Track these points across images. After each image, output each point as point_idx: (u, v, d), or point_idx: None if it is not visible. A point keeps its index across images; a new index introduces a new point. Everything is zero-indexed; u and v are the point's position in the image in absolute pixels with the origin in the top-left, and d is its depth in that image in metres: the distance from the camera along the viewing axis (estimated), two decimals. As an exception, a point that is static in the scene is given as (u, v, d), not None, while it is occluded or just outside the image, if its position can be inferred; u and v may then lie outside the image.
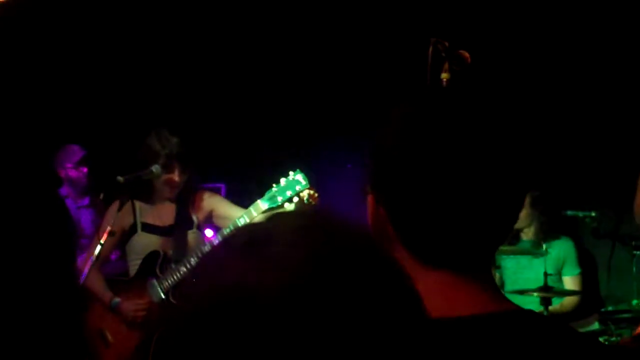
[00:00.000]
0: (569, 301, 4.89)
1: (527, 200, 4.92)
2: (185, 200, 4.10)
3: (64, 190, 5.11)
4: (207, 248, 3.89)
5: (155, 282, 3.97)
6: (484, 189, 1.09)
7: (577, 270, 5.04)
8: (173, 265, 3.96)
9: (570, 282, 5.00)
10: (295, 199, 3.90)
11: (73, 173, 5.07)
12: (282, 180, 3.92)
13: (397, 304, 0.82)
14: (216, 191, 6.15)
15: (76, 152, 5.12)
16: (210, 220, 4.19)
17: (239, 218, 3.89)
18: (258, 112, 6.12)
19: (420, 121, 1.13)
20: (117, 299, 3.98)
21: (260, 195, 3.97)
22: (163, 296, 3.95)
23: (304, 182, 3.90)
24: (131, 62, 6.04)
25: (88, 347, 3.79)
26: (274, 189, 3.91)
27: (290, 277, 0.78)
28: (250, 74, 6.08)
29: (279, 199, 3.89)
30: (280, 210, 3.89)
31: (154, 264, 4.00)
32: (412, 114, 1.15)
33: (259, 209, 3.90)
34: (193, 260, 3.92)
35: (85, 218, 5.09)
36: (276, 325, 0.76)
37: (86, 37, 5.88)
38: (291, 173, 3.93)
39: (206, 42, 6.07)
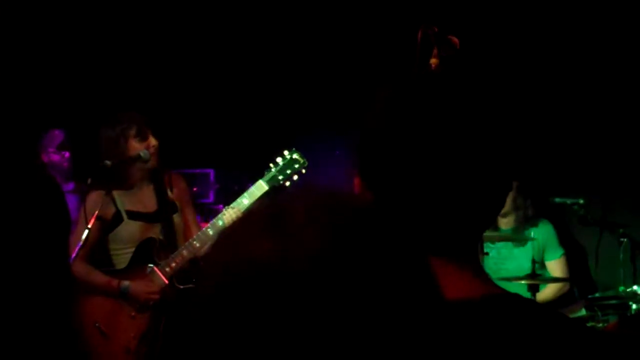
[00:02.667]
0: (554, 288, 4.87)
1: (514, 187, 4.91)
2: (162, 183, 4.06)
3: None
4: (210, 230, 3.89)
5: (155, 268, 3.93)
6: (469, 174, 1.09)
7: (560, 252, 4.97)
8: (168, 252, 3.93)
9: (554, 266, 4.95)
10: (296, 177, 3.94)
11: (55, 157, 5.03)
12: (279, 160, 3.94)
13: (418, 284, 0.83)
14: (205, 177, 6.16)
15: (57, 135, 5.08)
16: None
17: (241, 197, 3.90)
18: (246, 98, 6.10)
19: (404, 105, 1.12)
20: (127, 282, 3.87)
21: (251, 179, 3.98)
22: (167, 282, 3.91)
23: (302, 160, 3.94)
24: (116, 46, 6.00)
25: (77, 335, 3.75)
26: (273, 168, 3.93)
27: (312, 253, 0.79)
28: (238, 60, 6.06)
29: (280, 178, 3.92)
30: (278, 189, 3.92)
31: (150, 251, 3.95)
32: (396, 97, 1.14)
33: (262, 188, 3.92)
34: (196, 244, 3.90)
35: (70, 204, 5.04)
36: (299, 301, 0.77)
37: (69, 22, 5.84)
38: (287, 152, 3.96)
39: (193, 29, 6.04)
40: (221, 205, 5.83)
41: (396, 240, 0.85)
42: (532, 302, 1.15)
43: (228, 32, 6.05)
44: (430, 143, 1.09)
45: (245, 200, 3.92)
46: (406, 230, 1.02)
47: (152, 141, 3.95)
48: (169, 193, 4.07)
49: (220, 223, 3.93)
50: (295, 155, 3.96)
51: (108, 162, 3.86)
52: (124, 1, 5.92)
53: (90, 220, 3.78)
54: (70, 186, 5.16)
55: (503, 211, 4.89)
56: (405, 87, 1.16)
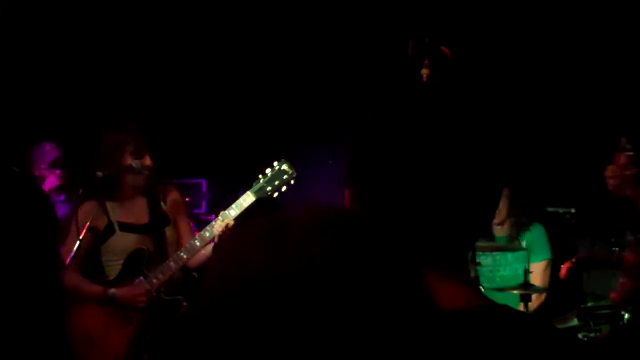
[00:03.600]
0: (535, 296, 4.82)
1: (507, 194, 4.92)
2: (155, 196, 4.07)
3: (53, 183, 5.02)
4: (197, 242, 3.89)
5: (144, 280, 3.94)
6: (459, 185, 1.09)
7: (543, 256, 4.91)
8: (158, 264, 3.94)
9: (534, 268, 4.83)
10: (284, 188, 3.95)
11: (46, 174, 4.98)
12: (268, 171, 3.95)
13: (410, 295, 0.84)
14: (197, 187, 6.15)
15: (48, 152, 5.02)
16: None
17: (229, 209, 3.91)
18: (238, 108, 6.10)
19: (395, 118, 1.13)
20: (113, 289, 3.89)
21: (243, 189, 3.99)
22: (154, 293, 3.93)
23: (290, 171, 3.94)
24: (109, 56, 6.00)
25: (69, 344, 3.76)
26: (261, 180, 3.94)
27: (307, 263, 0.80)
28: (231, 71, 6.06)
29: (268, 189, 3.92)
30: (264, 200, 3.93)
31: (139, 262, 3.96)
32: (388, 110, 1.15)
33: (249, 199, 3.93)
34: (184, 256, 3.90)
35: (61, 213, 5.02)
36: (293, 311, 0.78)
37: (62, 33, 5.83)
38: (276, 163, 3.96)
39: (186, 39, 6.04)
40: (213, 216, 5.83)
41: (389, 252, 0.86)
42: (521, 313, 1.15)
43: (221, 42, 6.06)
44: (422, 156, 1.09)
45: (233, 212, 3.94)
46: (398, 241, 1.03)
47: (147, 161, 3.95)
48: (162, 205, 4.07)
49: (208, 234, 3.94)
50: (284, 167, 3.97)
51: (100, 173, 3.86)
52: (117, 14, 5.92)
53: (82, 231, 3.78)
54: (61, 196, 5.13)
55: (498, 220, 4.91)
56: (396, 100, 1.17)
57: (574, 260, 3.94)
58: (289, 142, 5.70)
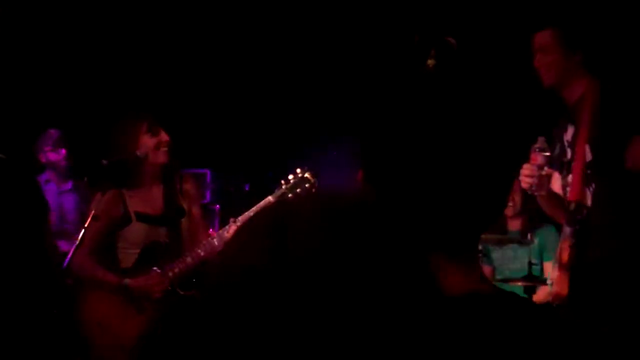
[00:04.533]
0: (546, 291, 4.86)
1: (521, 189, 4.95)
2: (172, 185, 4.07)
3: (47, 175, 5.07)
4: (215, 241, 3.89)
5: (159, 272, 3.93)
6: (472, 173, 1.10)
7: None
8: (174, 256, 3.94)
9: (548, 267, 4.96)
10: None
11: (52, 156, 5.03)
12: (290, 177, 3.96)
13: (416, 281, 0.87)
14: (202, 177, 6.16)
15: (52, 134, 5.09)
16: None
17: (248, 212, 3.92)
18: (243, 99, 6.10)
19: (410, 103, 1.14)
20: (127, 279, 3.88)
21: (246, 179, 4.00)
22: (169, 286, 3.93)
23: (312, 180, 3.97)
24: (113, 46, 6.00)
25: (80, 333, 3.78)
26: (284, 186, 3.96)
27: (313, 252, 0.82)
28: (235, 62, 6.06)
29: (289, 195, 3.96)
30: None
31: (155, 254, 3.97)
32: (401, 100, 1.15)
33: (269, 204, 3.92)
34: (201, 252, 3.90)
35: (68, 203, 5.06)
36: (298, 299, 0.80)
37: (67, 22, 5.83)
38: (299, 170, 3.98)
39: (191, 28, 6.04)
40: (217, 206, 5.84)
41: (396, 240, 0.87)
42: (526, 300, 1.15)
43: (226, 32, 6.05)
44: (432, 142, 1.10)
45: (252, 214, 3.94)
46: (406, 228, 1.03)
47: (164, 137, 3.95)
48: (179, 195, 4.07)
49: (226, 234, 3.93)
50: (307, 175, 3.97)
51: (104, 161, 3.86)
52: (121, 4, 5.91)
53: (96, 219, 3.78)
54: (68, 185, 5.16)
55: (512, 213, 4.95)
56: (406, 87, 1.17)
57: None
58: (293, 132, 5.70)
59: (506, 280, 4.50)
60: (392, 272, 0.85)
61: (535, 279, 4.42)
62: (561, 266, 3.17)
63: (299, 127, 5.68)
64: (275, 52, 5.98)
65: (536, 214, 4.98)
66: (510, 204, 4.98)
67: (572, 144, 3.32)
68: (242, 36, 6.03)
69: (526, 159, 3.27)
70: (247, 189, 5.29)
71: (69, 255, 3.68)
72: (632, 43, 4.92)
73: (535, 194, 3.36)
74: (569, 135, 3.36)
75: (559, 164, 3.38)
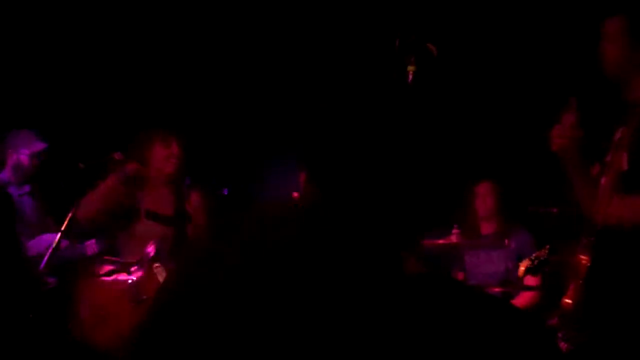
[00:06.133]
0: (526, 297, 4.87)
1: (496, 191, 4.96)
2: (182, 194, 4.23)
3: (5, 175, 4.88)
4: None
5: (162, 268, 3.97)
6: (415, 172, 1.12)
7: None
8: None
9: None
10: None
11: (26, 160, 4.85)
12: None
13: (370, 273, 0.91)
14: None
15: (37, 143, 4.90)
16: None
17: None
18: (222, 109, 6.10)
19: (351, 107, 1.16)
20: (133, 269, 3.98)
21: (226, 186, 4.07)
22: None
23: None
24: (103, 51, 5.96)
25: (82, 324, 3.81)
26: None
27: (275, 255, 0.86)
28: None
29: None
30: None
31: (160, 252, 4.00)
32: (354, 99, 1.17)
33: None
34: None
35: (27, 205, 4.91)
36: (262, 299, 0.83)
37: (55, 29, 5.80)
38: None
39: (176, 36, 6.02)
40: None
41: (346, 237, 0.94)
42: (459, 282, 1.18)
43: (207, 44, 6.05)
44: (375, 142, 1.12)
45: None
46: (353, 222, 1.06)
47: (175, 149, 4.15)
48: (187, 204, 4.19)
49: None
50: None
51: (81, 164, 3.90)
52: (111, 12, 5.89)
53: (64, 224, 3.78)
54: (26, 188, 4.96)
55: (485, 214, 4.95)
56: (365, 90, 1.19)
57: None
58: (272, 143, 5.70)
59: (483, 287, 4.49)
60: (344, 267, 0.88)
61: (512, 285, 4.43)
62: (576, 277, 3.08)
63: (276, 137, 5.68)
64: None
65: (510, 216, 5.00)
66: (483, 206, 4.98)
67: (616, 147, 3.10)
68: (220, 49, 6.03)
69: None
70: (225, 193, 5.29)
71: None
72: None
73: (562, 156, 3.18)
74: (618, 135, 3.13)
75: (602, 163, 3.19)
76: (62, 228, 3.79)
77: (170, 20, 5.99)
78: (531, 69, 5.31)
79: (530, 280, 4.94)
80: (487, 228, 5.03)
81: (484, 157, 5.39)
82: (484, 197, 4.99)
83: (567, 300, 3.08)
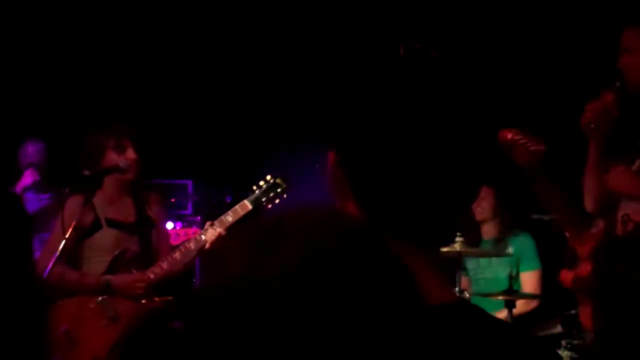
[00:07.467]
0: (522, 302, 4.83)
1: (493, 194, 4.95)
2: (141, 198, 4.09)
3: (27, 180, 4.98)
4: (192, 244, 3.92)
5: (140, 272, 3.92)
6: (445, 157, 1.10)
7: (533, 266, 4.95)
8: (144, 265, 3.93)
9: (525, 277, 4.92)
10: (277, 200, 4.11)
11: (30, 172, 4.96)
12: (262, 183, 4.07)
13: (397, 294, 0.85)
14: (183, 188, 6.15)
15: (33, 153, 5.00)
16: None
17: (226, 215, 4.02)
18: (225, 110, 6.10)
19: (386, 85, 1.13)
20: (108, 276, 3.86)
21: (228, 190, 4.03)
22: (150, 286, 3.92)
23: (284, 185, 4.10)
24: (96, 56, 5.98)
25: (49, 344, 3.71)
26: (257, 190, 4.06)
27: (299, 267, 0.82)
28: (217, 72, 6.06)
29: (263, 199, 4.08)
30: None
31: (127, 262, 3.95)
32: (380, 78, 1.15)
33: (246, 207, 4.05)
34: (177, 256, 3.92)
35: (48, 211, 4.97)
36: (278, 313, 0.80)
37: (48, 34, 5.81)
38: (269, 176, 4.10)
39: (173, 39, 6.03)
40: (199, 217, 5.82)
41: (380, 250, 0.87)
42: (483, 311, 1.15)
43: (207, 42, 6.05)
44: (409, 125, 1.09)
45: (230, 218, 4.02)
46: (386, 232, 1.03)
47: (131, 154, 3.93)
48: (147, 208, 4.09)
49: (203, 237, 3.97)
50: (278, 180, 4.11)
51: (87, 172, 3.86)
52: (107, 14, 5.90)
53: (68, 230, 3.75)
54: (47, 194, 5.07)
55: (482, 218, 4.94)
56: (390, 70, 1.17)
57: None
58: (276, 144, 5.70)
59: (486, 295, 4.48)
60: (376, 283, 0.86)
61: (516, 293, 4.40)
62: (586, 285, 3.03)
63: (281, 138, 5.68)
64: (255, 64, 5.97)
65: (510, 221, 4.98)
66: (479, 209, 4.96)
67: None
68: (222, 48, 6.04)
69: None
70: (228, 200, 5.29)
71: (49, 267, 3.65)
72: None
73: (588, 133, 3.13)
74: None
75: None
76: (57, 253, 3.69)
77: (171, 20, 6.00)
78: (537, 75, 5.31)
79: (526, 284, 4.93)
80: (488, 233, 5.03)
81: (488, 166, 5.38)
82: (480, 201, 4.98)
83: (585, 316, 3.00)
